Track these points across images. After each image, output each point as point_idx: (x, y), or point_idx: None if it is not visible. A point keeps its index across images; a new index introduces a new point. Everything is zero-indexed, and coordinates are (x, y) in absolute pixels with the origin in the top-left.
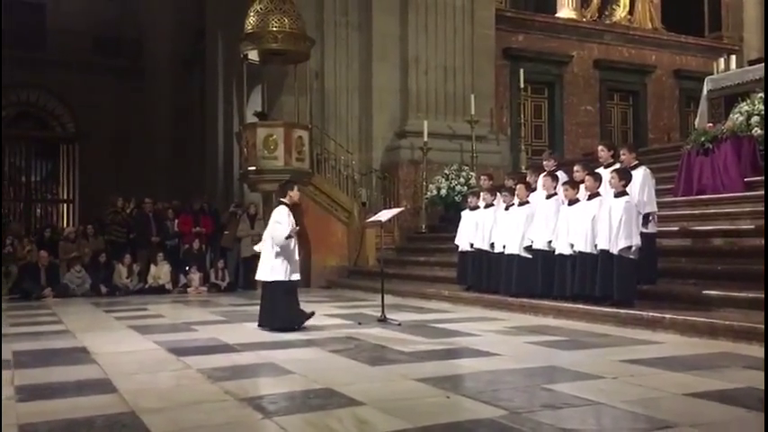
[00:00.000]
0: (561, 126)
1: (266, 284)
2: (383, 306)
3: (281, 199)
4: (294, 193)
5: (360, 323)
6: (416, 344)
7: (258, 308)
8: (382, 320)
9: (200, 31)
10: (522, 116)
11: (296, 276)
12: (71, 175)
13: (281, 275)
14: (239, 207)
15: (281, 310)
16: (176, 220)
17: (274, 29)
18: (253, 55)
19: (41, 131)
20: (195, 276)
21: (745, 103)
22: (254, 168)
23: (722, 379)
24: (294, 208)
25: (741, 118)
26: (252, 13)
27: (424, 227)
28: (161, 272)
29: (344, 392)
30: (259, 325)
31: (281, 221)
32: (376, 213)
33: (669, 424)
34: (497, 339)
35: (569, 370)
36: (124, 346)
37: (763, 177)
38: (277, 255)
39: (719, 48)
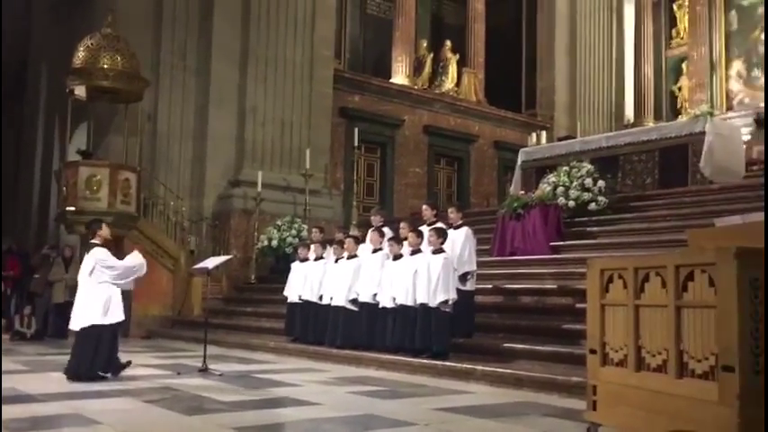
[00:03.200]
0: (392, 185)
1: (82, 330)
2: (205, 356)
3: (93, 241)
4: (103, 232)
5: (179, 373)
6: (237, 394)
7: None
8: (203, 371)
9: (22, 62)
10: (356, 173)
11: (119, 317)
12: None
13: (100, 319)
14: (53, 249)
15: (96, 355)
16: None
17: (106, 66)
18: (80, 91)
19: None
20: None
21: (552, 175)
22: (73, 209)
23: (523, 424)
24: (114, 247)
25: (549, 188)
26: (82, 48)
27: (253, 277)
28: None
29: None
30: (67, 374)
31: (110, 262)
32: (203, 261)
33: None
34: (319, 390)
35: (386, 418)
36: None
37: (565, 242)
38: (103, 296)
39: (533, 124)
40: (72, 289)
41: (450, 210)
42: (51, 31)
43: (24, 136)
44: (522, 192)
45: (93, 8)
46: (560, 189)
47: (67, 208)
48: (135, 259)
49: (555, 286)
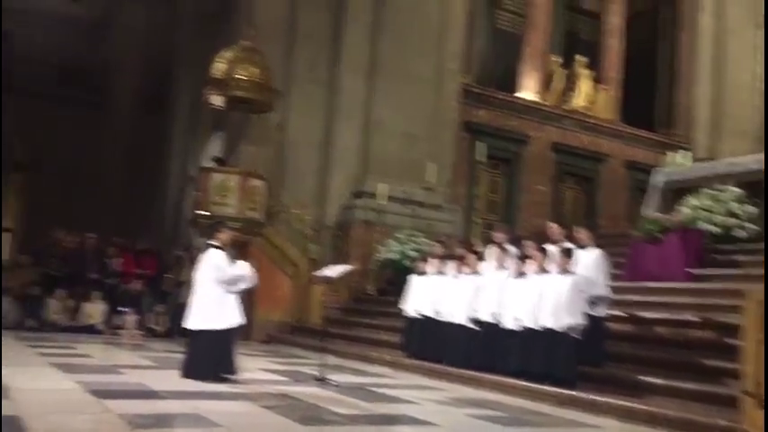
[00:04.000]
0: (516, 202)
1: (196, 332)
2: (323, 365)
3: (210, 242)
4: (223, 236)
5: (296, 380)
6: (353, 407)
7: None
8: (320, 380)
9: (167, 71)
10: (478, 189)
11: (232, 322)
12: (17, 204)
13: (210, 323)
14: (186, 251)
15: (208, 357)
16: (117, 259)
17: (241, 77)
18: (216, 100)
19: None
20: (131, 319)
21: (693, 198)
22: (205, 213)
23: None
24: (240, 251)
25: (690, 212)
26: (220, 60)
27: (372, 289)
28: (95, 310)
29: None
30: (182, 373)
31: (220, 265)
32: (324, 269)
33: None
34: (436, 409)
35: None
36: (43, 384)
37: (706, 271)
38: (215, 300)
39: (669, 143)
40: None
41: (579, 229)
42: (194, 43)
43: (164, 141)
44: (659, 214)
45: (232, 21)
46: (703, 213)
47: (199, 212)
48: (243, 269)
49: (698, 319)
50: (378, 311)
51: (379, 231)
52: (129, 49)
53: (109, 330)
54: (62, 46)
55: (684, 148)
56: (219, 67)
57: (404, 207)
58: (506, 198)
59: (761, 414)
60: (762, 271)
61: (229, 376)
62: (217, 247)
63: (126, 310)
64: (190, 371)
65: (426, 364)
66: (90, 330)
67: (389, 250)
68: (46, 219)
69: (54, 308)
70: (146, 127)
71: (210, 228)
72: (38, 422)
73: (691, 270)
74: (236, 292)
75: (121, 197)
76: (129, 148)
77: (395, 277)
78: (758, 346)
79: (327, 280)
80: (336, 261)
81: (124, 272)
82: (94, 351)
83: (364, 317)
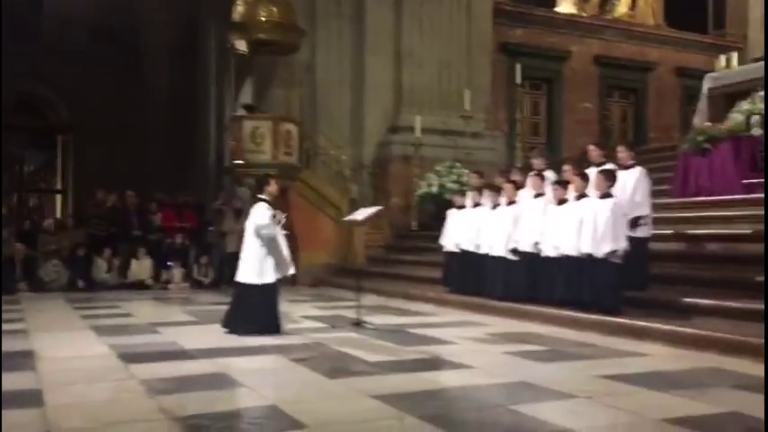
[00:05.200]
0: (560, 123)
1: (242, 285)
2: (359, 309)
3: (259, 195)
4: (272, 188)
5: (333, 326)
6: (386, 352)
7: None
8: (357, 324)
9: (194, 20)
10: (519, 112)
11: (279, 275)
12: (65, 165)
13: (253, 278)
14: (226, 204)
15: (250, 312)
16: (159, 214)
17: (263, 18)
18: (241, 45)
19: (37, 121)
20: (177, 272)
21: (745, 102)
22: (240, 162)
23: (706, 401)
24: (281, 198)
25: (741, 117)
26: (240, 2)
27: (414, 225)
28: (142, 267)
29: (290, 412)
30: (226, 328)
31: (262, 220)
32: (354, 212)
33: None
34: (474, 348)
35: (542, 387)
36: (74, 350)
37: (762, 180)
38: (258, 256)
39: (722, 45)
40: (243, 239)
41: (619, 149)
42: None
43: (199, 92)
44: (709, 123)
45: None
46: (755, 118)
47: (234, 161)
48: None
49: (749, 231)
50: (420, 247)
51: (419, 166)
52: (157, 3)
53: (157, 285)
54: (90, 3)
55: (738, 49)
56: (240, 9)
57: (442, 138)
58: (549, 119)
59: None
60: None
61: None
62: (264, 200)
63: (171, 264)
64: (230, 324)
65: (469, 298)
66: (140, 287)
67: (429, 184)
68: (91, 179)
69: (102, 267)
70: (181, 80)
71: (258, 181)
72: (56, 394)
73: (744, 181)
74: (271, 251)
75: (163, 152)
76: (166, 102)
77: (437, 211)
78: None
79: (357, 224)
80: (376, 199)
81: (166, 226)
82: (139, 309)
83: (407, 254)
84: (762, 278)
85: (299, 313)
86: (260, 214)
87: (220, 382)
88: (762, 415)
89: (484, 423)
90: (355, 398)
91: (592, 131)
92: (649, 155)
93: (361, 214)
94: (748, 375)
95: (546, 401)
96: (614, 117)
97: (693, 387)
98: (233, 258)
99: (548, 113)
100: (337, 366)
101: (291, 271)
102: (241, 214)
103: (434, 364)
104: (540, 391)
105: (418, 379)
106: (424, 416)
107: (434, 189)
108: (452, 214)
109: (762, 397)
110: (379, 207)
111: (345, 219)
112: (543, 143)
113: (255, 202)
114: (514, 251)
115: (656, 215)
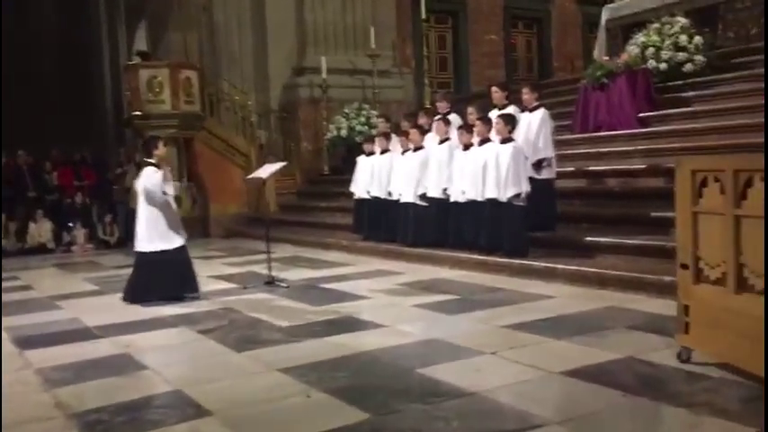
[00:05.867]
0: (466, 57)
1: (141, 254)
2: (270, 267)
3: (147, 159)
4: (160, 151)
5: (245, 287)
6: (297, 315)
7: None
8: (269, 283)
9: None
10: (426, 48)
11: (179, 241)
12: None
13: (148, 246)
14: (129, 162)
15: (149, 281)
16: (55, 173)
17: None
18: None
19: None
20: (79, 233)
21: (641, 34)
22: (139, 113)
23: (604, 347)
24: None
25: (637, 50)
26: None
27: (326, 169)
28: (41, 230)
29: (194, 397)
30: (129, 300)
31: (152, 186)
32: (257, 170)
33: (538, 422)
34: (385, 302)
35: (451, 344)
36: None
37: (656, 112)
38: (154, 222)
39: None
40: None
41: (524, 90)
42: None
43: (92, 38)
44: (607, 57)
45: None
46: (650, 50)
47: (133, 113)
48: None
49: (644, 166)
50: (333, 192)
51: (328, 108)
52: None
53: (60, 248)
54: None
55: None
56: None
57: (350, 78)
58: (456, 54)
59: (697, 288)
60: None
61: (187, 295)
62: (152, 164)
63: (73, 225)
64: (132, 295)
65: (382, 246)
66: (40, 251)
67: (338, 128)
68: None
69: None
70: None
71: (145, 144)
72: None
73: (640, 114)
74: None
75: (56, 105)
76: (56, 48)
77: (348, 154)
78: (691, 218)
79: (262, 182)
80: (286, 145)
81: (64, 185)
82: (40, 280)
83: (320, 200)
84: (658, 214)
85: (209, 273)
86: (150, 179)
87: (122, 365)
88: (653, 358)
89: (393, 392)
90: (263, 373)
91: (498, 64)
92: (552, 88)
93: (265, 171)
94: (643, 313)
95: (454, 360)
96: (520, 48)
97: (593, 331)
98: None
99: (454, 48)
100: (246, 336)
101: (183, 235)
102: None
103: (345, 325)
104: (449, 350)
105: (329, 345)
106: (331, 389)
107: (344, 132)
108: (362, 161)
109: (654, 336)
110: (284, 163)
111: (249, 177)
112: (451, 78)
113: (144, 167)
114: (423, 197)
115: (559, 152)
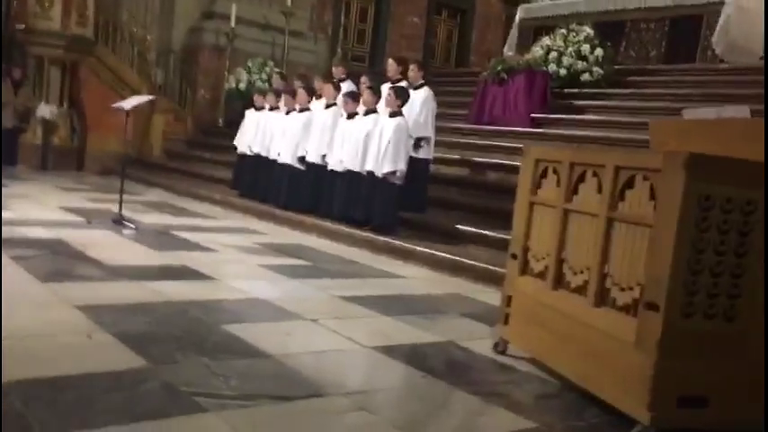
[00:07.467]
0: (385, 34)
1: None
2: (121, 205)
3: None
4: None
5: (90, 222)
6: (132, 256)
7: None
8: (117, 222)
9: None
10: (345, 17)
11: None
12: None
13: None
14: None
15: None
16: None
17: None
18: None
19: None
20: None
21: (547, 38)
22: (23, 27)
23: (429, 329)
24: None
25: (540, 52)
26: None
27: (221, 121)
28: None
29: None
30: None
31: None
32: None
33: (322, 392)
34: (232, 258)
35: (274, 306)
36: None
37: (549, 115)
38: None
39: None
40: (21, 114)
41: (411, 66)
42: None
43: None
44: (511, 53)
45: None
46: (553, 54)
47: (17, 26)
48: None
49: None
50: (222, 146)
51: (232, 59)
52: None
53: None
54: None
55: None
56: None
57: (261, 33)
58: (375, 29)
59: (521, 280)
60: (598, 117)
61: None
62: None
63: None
64: None
65: (254, 204)
66: None
67: (238, 80)
68: None
69: None
70: None
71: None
72: None
73: (533, 114)
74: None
75: None
76: None
77: (243, 109)
78: (528, 208)
79: (125, 112)
80: (182, 89)
81: None
82: None
83: (208, 151)
84: None
85: (61, 204)
86: None
87: None
88: (472, 346)
89: (185, 343)
90: (56, 307)
91: (416, 47)
92: (453, 77)
93: (131, 102)
94: (485, 304)
95: (268, 322)
96: (440, 36)
97: (427, 314)
98: (10, 134)
99: (374, 22)
100: (60, 269)
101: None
102: (20, 85)
103: (177, 273)
104: (270, 311)
105: (146, 289)
106: (121, 333)
107: (243, 86)
108: (249, 115)
109: (483, 326)
110: (152, 96)
111: (114, 105)
112: (367, 52)
113: None
114: (302, 160)
115: (447, 139)
